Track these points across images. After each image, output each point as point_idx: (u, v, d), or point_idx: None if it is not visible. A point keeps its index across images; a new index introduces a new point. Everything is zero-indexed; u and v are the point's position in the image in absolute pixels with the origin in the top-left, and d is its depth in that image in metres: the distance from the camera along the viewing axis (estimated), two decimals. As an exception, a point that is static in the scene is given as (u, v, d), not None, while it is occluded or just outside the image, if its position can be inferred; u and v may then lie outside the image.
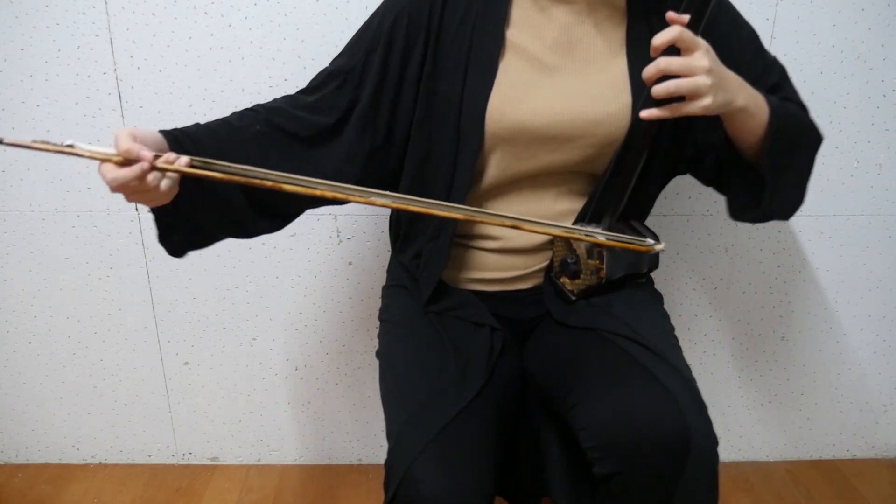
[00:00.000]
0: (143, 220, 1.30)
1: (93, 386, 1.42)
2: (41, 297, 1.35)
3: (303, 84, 1.19)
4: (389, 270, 1.09)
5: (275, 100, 0.90)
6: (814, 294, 1.40)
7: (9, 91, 1.21)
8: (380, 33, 0.88)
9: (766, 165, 0.81)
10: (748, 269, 1.38)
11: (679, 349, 0.87)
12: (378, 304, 1.07)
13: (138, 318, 1.37)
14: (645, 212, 1.00)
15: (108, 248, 1.32)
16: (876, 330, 1.43)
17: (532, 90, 0.87)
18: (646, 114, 0.76)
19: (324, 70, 0.91)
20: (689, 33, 0.72)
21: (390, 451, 0.79)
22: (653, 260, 0.97)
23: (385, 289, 1.07)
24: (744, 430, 1.50)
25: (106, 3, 1.16)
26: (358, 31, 0.91)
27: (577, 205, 0.93)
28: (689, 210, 1.33)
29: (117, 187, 0.69)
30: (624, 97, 0.87)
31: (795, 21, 1.20)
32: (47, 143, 0.67)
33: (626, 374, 0.79)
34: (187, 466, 1.48)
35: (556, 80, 0.87)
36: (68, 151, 0.67)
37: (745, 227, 1.34)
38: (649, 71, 0.74)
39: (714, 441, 0.75)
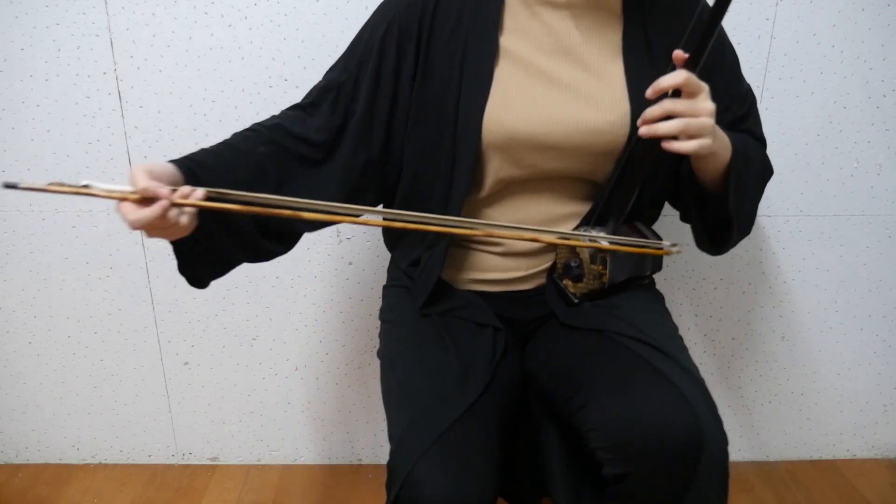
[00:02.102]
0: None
1: (93, 386, 1.42)
2: (41, 297, 1.35)
3: (302, 84, 1.20)
4: (390, 270, 1.09)
5: (272, 117, 0.89)
6: (814, 294, 1.40)
7: (9, 91, 1.21)
8: (371, 45, 0.88)
9: (732, 205, 0.84)
10: (748, 269, 1.38)
11: (686, 349, 0.87)
12: (378, 303, 1.06)
13: (138, 318, 1.37)
14: (655, 215, 1.00)
15: (108, 248, 1.32)
16: (876, 330, 1.43)
17: (528, 97, 0.86)
18: (645, 131, 0.77)
19: (317, 85, 0.91)
20: (694, 78, 0.74)
21: (393, 453, 0.78)
22: (656, 262, 0.97)
23: (385, 288, 1.07)
24: (744, 430, 1.50)
25: (106, 3, 1.16)
26: (350, 44, 0.91)
27: (578, 209, 0.93)
28: (689, 210, 1.33)
29: (139, 227, 0.67)
30: (623, 105, 0.86)
31: (795, 21, 1.20)
32: (63, 184, 0.65)
33: (637, 374, 0.78)
34: (187, 466, 1.48)
35: (553, 86, 0.86)
36: (84, 192, 0.66)
37: (745, 227, 1.34)
38: (654, 112, 0.75)
39: (725, 440, 0.75)
